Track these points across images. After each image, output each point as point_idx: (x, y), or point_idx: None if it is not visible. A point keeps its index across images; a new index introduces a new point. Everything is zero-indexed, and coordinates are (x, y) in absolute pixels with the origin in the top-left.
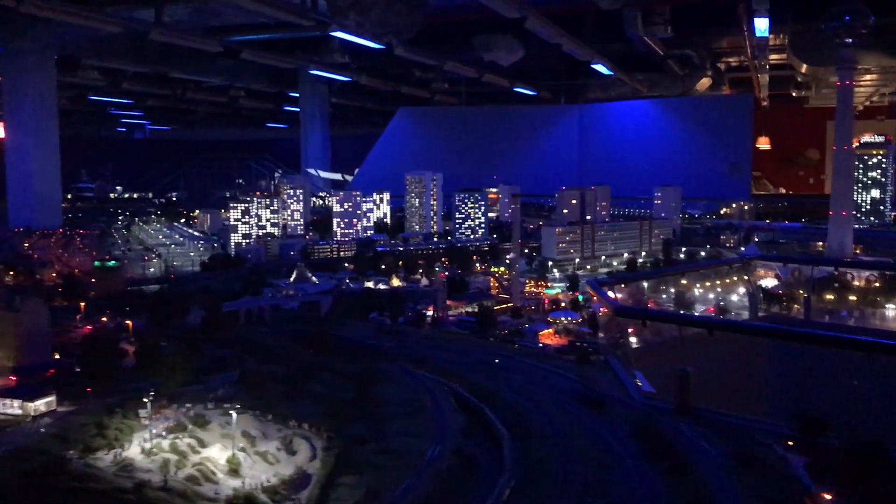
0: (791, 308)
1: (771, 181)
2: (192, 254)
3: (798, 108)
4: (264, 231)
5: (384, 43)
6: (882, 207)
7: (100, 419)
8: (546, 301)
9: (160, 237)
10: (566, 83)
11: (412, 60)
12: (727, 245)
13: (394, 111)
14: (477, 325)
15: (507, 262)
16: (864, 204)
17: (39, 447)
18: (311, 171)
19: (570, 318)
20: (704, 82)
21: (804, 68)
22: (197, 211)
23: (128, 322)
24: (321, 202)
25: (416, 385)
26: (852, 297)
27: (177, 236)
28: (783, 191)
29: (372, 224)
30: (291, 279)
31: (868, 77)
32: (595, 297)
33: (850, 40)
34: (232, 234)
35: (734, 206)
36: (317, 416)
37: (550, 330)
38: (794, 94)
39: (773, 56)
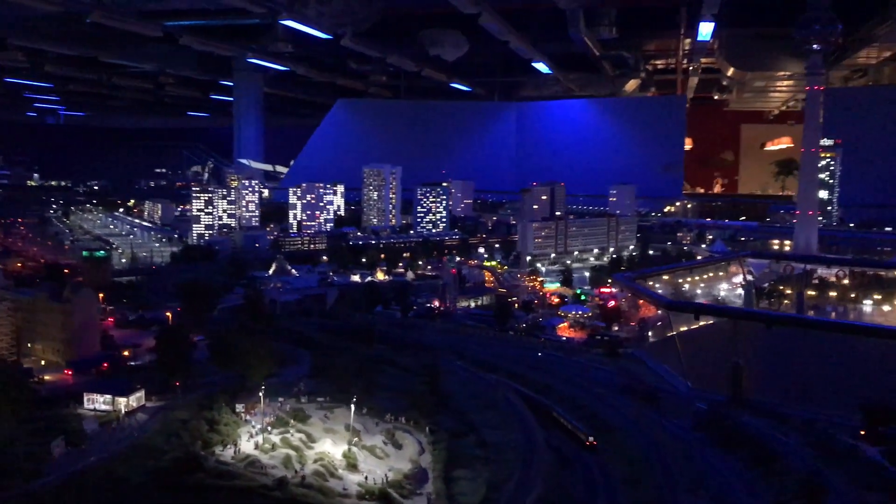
0: (781, 303)
1: (689, 181)
2: (156, 245)
3: (716, 111)
4: (220, 223)
5: (334, 33)
6: (830, 208)
7: (210, 415)
8: (548, 295)
9: (109, 227)
10: (501, 80)
11: (353, 52)
12: (684, 242)
13: (326, 102)
14: (494, 318)
15: (513, 257)
16: None
17: (153, 444)
18: (245, 161)
19: (580, 312)
20: (633, 84)
21: (731, 72)
22: (133, 200)
23: (168, 313)
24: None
25: (473, 378)
26: (832, 293)
27: (128, 227)
28: (700, 190)
29: (332, 217)
30: (271, 272)
31: (785, 83)
32: (619, 293)
33: (819, 47)
34: (194, 226)
35: (678, 204)
36: (401, 410)
37: (566, 323)
38: (716, 98)
39: (701, 59)
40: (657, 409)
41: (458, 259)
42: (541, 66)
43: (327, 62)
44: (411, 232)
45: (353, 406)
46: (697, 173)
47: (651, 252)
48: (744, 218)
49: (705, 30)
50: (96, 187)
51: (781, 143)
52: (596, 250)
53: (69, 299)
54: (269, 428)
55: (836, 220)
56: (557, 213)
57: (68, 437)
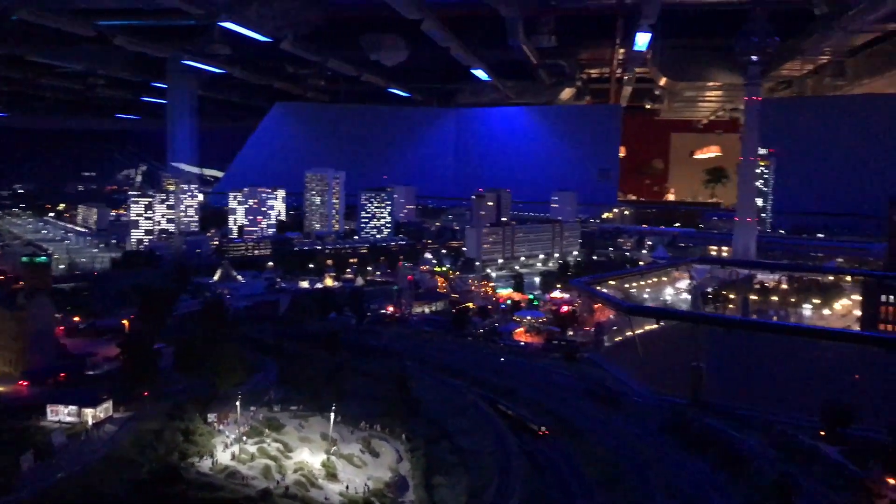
0: (727, 308)
1: (621, 189)
2: (94, 251)
3: (648, 120)
4: (159, 228)
5: (274, 36)
6: (764, 215)
7: (185, 425)
8: (501, 300)
9: (41, 232)
10: (439, 86)
11: (291, 56)
12: (625, 248)
13: (261, 106)
14: (451, 324)
15: (462, 263)
16: None
17: (127, 456)
18: (179, 165)
19: (535, 318)
20: (568, 92)
21: (663, 81)
22: (63, 205)
23: (125, 321)
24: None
25: (439, 384)
26: (774, 298)
27: (61, 232)
28: (632, 197)
29: (274, 222)
30: (216, 278)
31: (714, 93)
32: (578, 297)
33: (757, 59)
34: (133, 231)
35: (615, 211)
36: (373, 417)
37: (522, 328)
38: (647, 107)
39: (635, 69)
40: (619, 413)
41: (409, 265)
42: (480, 73)
43: (264, 65)
44: (356, 237)
45: (332, 415)
46: (630, 181)
47: (596, 258)
48: (678, 224)
49: (642, 40)
50: (21, 191)
51: (710, 152)
52: (542, 256)
53: (23, 306)
54: (245, 438)
55: (770, 227)
56: (504, 220)
57: (36, 451)
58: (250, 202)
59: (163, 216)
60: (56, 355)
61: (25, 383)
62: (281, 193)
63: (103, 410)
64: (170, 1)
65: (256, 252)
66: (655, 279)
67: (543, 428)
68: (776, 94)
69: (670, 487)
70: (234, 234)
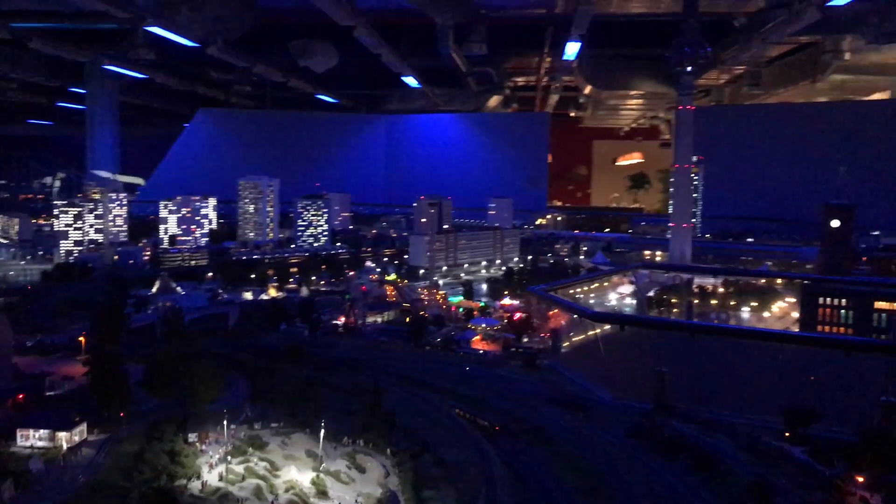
0: (671, 311)
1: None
2: (21, 263)
3: (572, 128)
4: (88, 238)
5: (202, 41)
6: (694, 220)
7: (170, 447)
8: (454, 309)
9: None
10: (367, 93)
11: (218, 61)
12: (562, 253)
13: (182, 112)
14: (408, 334)
15: (405, 271)
16: None
17: (112, 481)
18: (101, 173)
19: (490, 325)
20: (495, 99)
21: (588, 90)
22: None
23: (81, 339)
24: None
25: (409, 396)
26: (713, 301)
27: None
28: (558, 203)
29: (207, 231)
30: (154, 290)
31: (635, 102)
32: (535, 304)
33: (690, 69)
34: (62, 242)
35: (549, 217)
36: (353, 432)
37: (478, 336)
38: (572, 115)
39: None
40: (587, 419)
41: (352, 273)
42: (410, 80)
43: (188, 71)
44: (292, 246)
45: (322, 431)
46: (555, 187)
47: (540, 265)
48: (608, 230)
49: (571, 50)
50: None
51: (632, 159)
52: (484, 262)
53: None
54: (229, 457)
55: (699, 232)
56: (446, 227)
57: (16, 479)
58: (183, 211)
59: (91, 226)
60: (11, 376)
61: None
62: (212, 202)
63: (78, 433)
64: (92, 4)
65: (193, 262)
66: (606, 285)
67: (497, 426)
68: (695, 102)
69: (650, 493)
70: (166, 244)
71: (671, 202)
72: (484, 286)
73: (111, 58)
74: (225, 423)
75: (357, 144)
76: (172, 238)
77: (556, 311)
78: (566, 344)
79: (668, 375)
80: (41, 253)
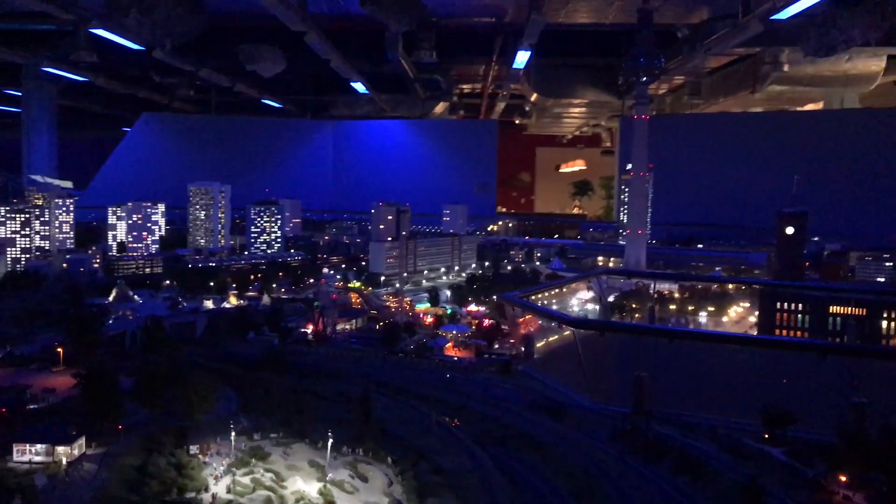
0: (633, 316)
1: None
2: None
3: (516, 135)
4: (35, 246)
5: (148, 45)
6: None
7: (176, 459)
8: (421, 316)
9: None
10: (313, 98)
11: (160, 64)
12: (517, 259)
13: (120, 116)
14: (381, 341)
15: (365, 277)
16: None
17: (119, 496)
18: (37, 177)
19: (460, 332)
20: (441, 106)
21: (534, 97)
22: None
23: (59, 349)
24: None
25: (393, 403)
26: (672, 307)
27: None
28: (503, 209)
29: (157, 238)
30: (111, 298)
31: (579, 110)
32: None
33: (645, 79)
34: (9, 249)
35: (500, 223)
36: (349, 441)
37: (450, 343)
38: (517, 122)
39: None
40: (567, 424)
41: (311, 280)
42: (358, 86)
43: (130, 74)
44: (246, 253)
45: (330, 440)
46: (499, 193)
47: (501, 271)
48: (557, 236)
49: (521, 58)
50: None
51: (576, 166)
52: (443, 269)
53: None
54: (234, 469)
55: (650, 239)
56: (404, 233)
57: (23, 496)
58: (134, 217)
59: (36, 233)
60: None
61: None
62: (162, 208)
63: (77, 447)
64: (30, 4)
65: (148, 270)
66: (566, 290)
67: (455, 420)
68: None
69: (643, 495)
70: (114, 251)
71: (624, 209)
72: (448, 292)
73: (51, 59)
74: (232, 434)
75: (305, 150)
76: (122, 245)
77: (526, 317)
78: (538, 350)
79: (647, 380)
80: None
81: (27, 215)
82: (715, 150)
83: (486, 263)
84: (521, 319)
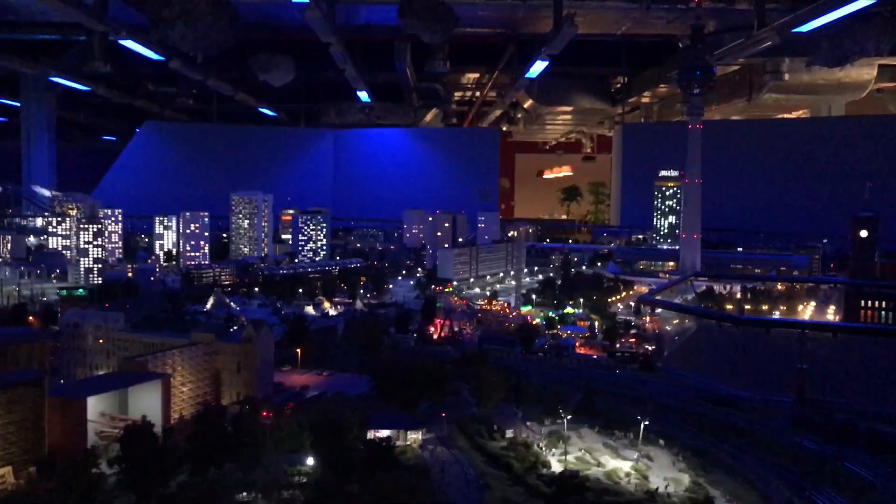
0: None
1: None
2: (45, 284)
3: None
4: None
5: (179, 56)
6: (677, 231)
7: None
8: (529, 318)
9: None
10: (305, 106)
11: (172, 74)
12: (555, 265)
13: (116, 126)
14: (519, 342)
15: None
16: (662, 228)
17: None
18: (37, 188)
19: (577, 332)
20: (431, 114)
21: (528, 104)
22: None
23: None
24: None
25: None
26: (747, 307)
27: None
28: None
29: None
30: (209, 306)
31: (567, 117)
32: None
33: (699, 91)
34: (82, 261)
35: (521, 229)
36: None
37: (577, 343)
38: (504, 129)
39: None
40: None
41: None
42: (363, 95)
43: (130, 84)
44: (297, 260)
45: (643, 424)
46: None
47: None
48: (571, 240)
49: (538, 67)
50: None
51: (561, 172)
52: (500, 274)
53: (250, 339)
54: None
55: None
56: (461, 240)
57: None
58: (192, 227)
59: (88, 243)
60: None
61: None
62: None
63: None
64: (61, 15)
65: (224, 279)
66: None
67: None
68: (627, 118)
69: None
70: (161, 261)
71: (683, 214)
72: (533, 296)
73: (61, 70)
74: (565, 419)
75: (302, 158)
76: (170, 254)
77: (654, 316)
78: (670, 347)
79: (807, 371)
80: (57, 271)
81: (88, 227)
82: (746, 157)
83: (535, 268)
84: (648, 319)
